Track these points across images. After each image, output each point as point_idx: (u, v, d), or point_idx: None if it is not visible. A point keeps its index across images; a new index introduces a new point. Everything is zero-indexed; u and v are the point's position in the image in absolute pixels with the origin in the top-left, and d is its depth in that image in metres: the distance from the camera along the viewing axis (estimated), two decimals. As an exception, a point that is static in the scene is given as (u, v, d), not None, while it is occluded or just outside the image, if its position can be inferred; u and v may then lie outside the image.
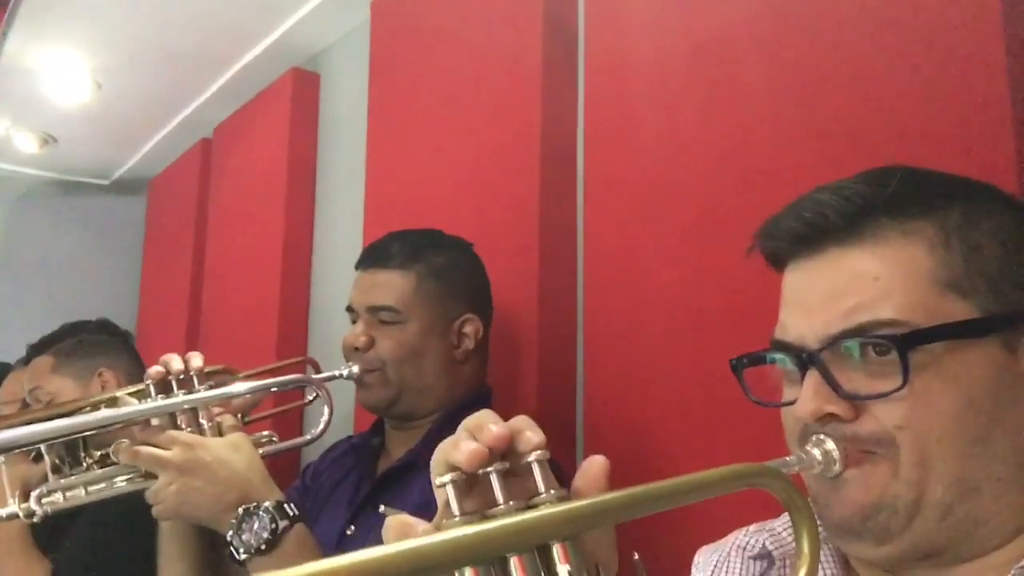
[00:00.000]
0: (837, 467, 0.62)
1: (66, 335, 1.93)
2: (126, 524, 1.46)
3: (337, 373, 1.34)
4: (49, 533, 1.58)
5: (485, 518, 0.49)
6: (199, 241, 2.96)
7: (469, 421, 0.55)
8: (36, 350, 1.92)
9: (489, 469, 0.52)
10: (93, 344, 1.93)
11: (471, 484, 0.53)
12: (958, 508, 0.60)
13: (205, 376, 1.24)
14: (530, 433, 0.54)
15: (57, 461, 1.19)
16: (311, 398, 1.40)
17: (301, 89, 2.44)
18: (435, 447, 0.56)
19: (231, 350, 2.55)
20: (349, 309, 1.40)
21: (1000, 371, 0.60)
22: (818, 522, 0.60)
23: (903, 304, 0.60)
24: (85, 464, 1.20)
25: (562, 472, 0.56)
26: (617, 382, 1.32)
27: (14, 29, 2.27)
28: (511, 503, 0.50)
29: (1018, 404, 0.61)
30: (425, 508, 0.56)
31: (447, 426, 1.34)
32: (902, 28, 0.99)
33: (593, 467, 0.55)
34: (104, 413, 1.14)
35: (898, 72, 0.98)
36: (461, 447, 0.52)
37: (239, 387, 1.24)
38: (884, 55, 1.00)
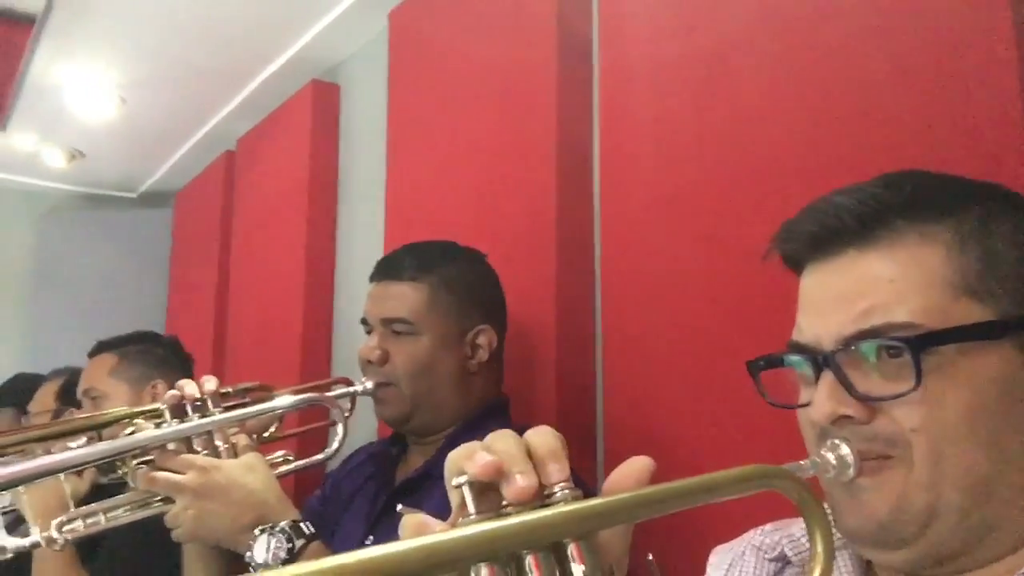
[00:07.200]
0: (851, 472, 0.62)
1: (136, 340, 1.98)
2: (152, 543, 1.48)
3: (352, 390, 1.34)
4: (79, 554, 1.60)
5: (500, 516, 0.49)
6: (224, 252, 2.99)
7: (494, 440, 0.54)
8: (104, 346, 1.97)
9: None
10: (158, 357, 1.98)
11: (487, 486, 0.53)
12: (973, 512, 0.60)
13: (235, 394, 1.25)
14: (553, 467, 0.52)
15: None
16: (336, 421, 1.36)
17: (321, 100, 2.47)
18: None
19: (256, 360, 2.58)
20: (364, 322, 1.40)
21: (1014, 374, 0.60)
22: (833, 527, 0.60)
23: (918, 307, 0.60)
24: (120, 472, 1.21)
25: (581, 481, 0.56)
26: (636, 389, 1.32)
27: (41, 47, 2.32)
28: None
29: None
30: (442, 518, 0.56)
31: (463, 437, 1.33)
32: (910, 32, 0.98)
33: (636, 464, 0.54)
34: (118, 442, 1.13)
35: (909, 76, 0.98)
36: (476, 459, 0.52)
37: (252, 409, 1.24)
38: (894, 60, 1.00)
